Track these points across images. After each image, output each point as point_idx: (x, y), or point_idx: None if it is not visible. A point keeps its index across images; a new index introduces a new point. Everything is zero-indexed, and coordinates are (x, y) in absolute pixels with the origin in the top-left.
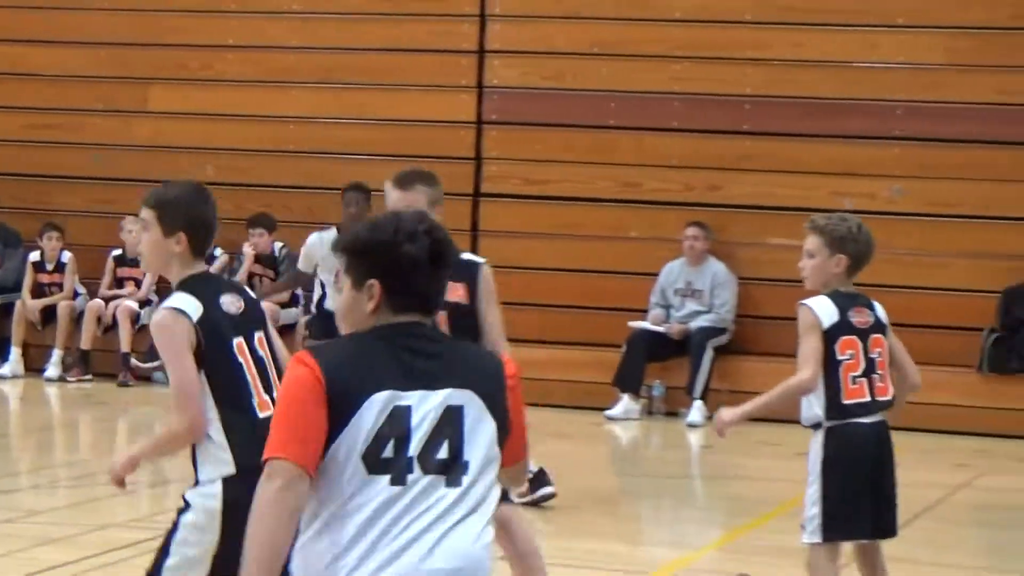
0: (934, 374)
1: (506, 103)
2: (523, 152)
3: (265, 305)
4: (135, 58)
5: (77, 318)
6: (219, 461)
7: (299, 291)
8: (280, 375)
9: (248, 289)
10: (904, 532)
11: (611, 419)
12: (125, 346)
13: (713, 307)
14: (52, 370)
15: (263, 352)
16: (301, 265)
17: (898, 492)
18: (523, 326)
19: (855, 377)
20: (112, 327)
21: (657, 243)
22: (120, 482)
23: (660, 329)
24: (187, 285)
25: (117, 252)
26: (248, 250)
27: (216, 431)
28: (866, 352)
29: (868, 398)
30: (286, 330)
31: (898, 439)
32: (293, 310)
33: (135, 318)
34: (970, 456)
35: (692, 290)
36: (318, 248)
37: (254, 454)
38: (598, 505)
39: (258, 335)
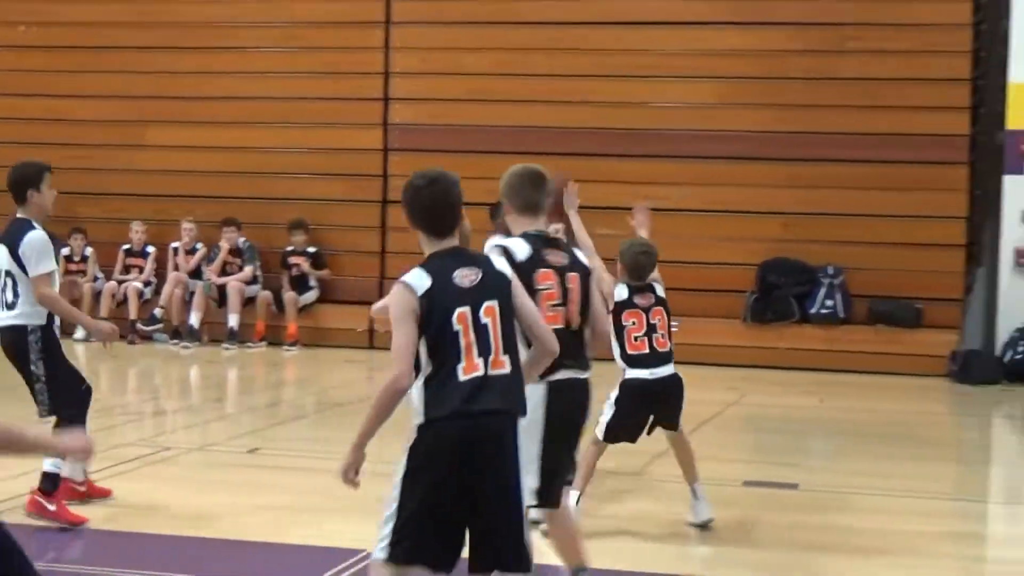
0: (711, 324)
1: (404, 136)
2: (417, 169)
3: (232, 282)
4: (137, 107)
5: (96, 295)
6: (415, 415)
7: (259, 271)
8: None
9: (497, 260)
10: (694, 436)
11: None
12: (133, 315)
13: None
14: (79, 333)
15: (488, 319)
16: None
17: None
18: None
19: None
20: (123, 302)
21: None
22: (350, 481)
23: None
24: (425, 262)
25: (126, 246)
26: (223, 244)
27: (418, 386)
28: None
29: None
30: (248, 303)
31: (684, 370)
32: (255, 286)
33: (140, 295)
34: (738, 382)
35: None
36: None
37: (445, 406)
38: None
39: (488, 304)
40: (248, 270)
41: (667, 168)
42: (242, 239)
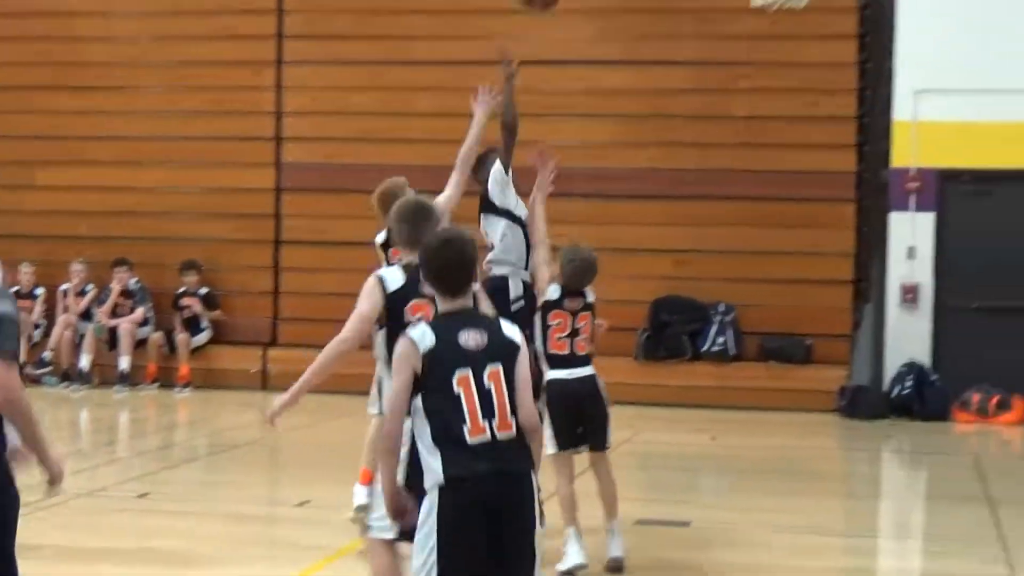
0: (604, 362)
1: (297, 175)
2: (311, 210)
3: (123, 324)
4: (25, 147)
5: None
6: (431, 473)
7: (151, 312)
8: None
9: (507, 325)
10: (586, 475)
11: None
12: (22, 358)
13: None
14: None
15: (492, 384)
16: None
17: None
18: (314, 335)
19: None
20: None
21: None
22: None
23: None
24: (433, 320)
25: (15, 288)
26: (114, 285)
27: (428, 446)
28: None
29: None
30: (140, 345)
31: None
32: (147, 328)
33: (29, 338)
34: (631, 420)
35: None
36: None
37: (463, 468)
38: None
39: (491, 368)
40: (139, 311)
41: (561, 207)
42: (133, 280)
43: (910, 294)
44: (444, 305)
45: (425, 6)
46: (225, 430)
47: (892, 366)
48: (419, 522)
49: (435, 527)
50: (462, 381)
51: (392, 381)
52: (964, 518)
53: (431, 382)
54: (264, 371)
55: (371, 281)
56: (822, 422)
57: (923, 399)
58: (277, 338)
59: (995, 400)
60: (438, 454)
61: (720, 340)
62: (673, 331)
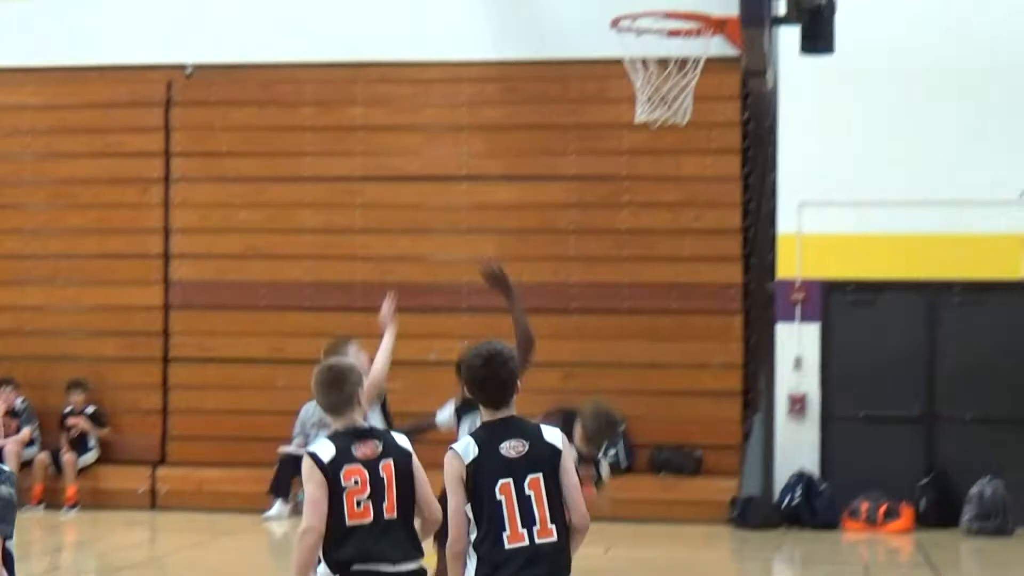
0: None
1: (185, 292)
2: (199, 326)
3: (8, 444)
4: None
5: None
6: (469, 571)
7: (37, 432)
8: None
9: (548, 431)
10: None
11: (267, 519)
12: None
13: None
14: None
15: (532, 492)
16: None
17: None
18: (203, 453)
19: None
20: None
21: (297, 390)
22: None
23: (302, 452)
24: (477, 430)
25: None
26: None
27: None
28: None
29: None
30: (26, 466)
31: None
32: (33, 448)
33: None
34: None
35: (324, 423)
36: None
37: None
38: None
39: (532, 476)
40: (25, 431)
41: (448, 322)
42: (19, 399)
43: (798, 404)
44: (488, 415)
45: (310, 123)
46: (114, 551)
47: (782, 476)
48: None
49: None
50: (503, 489)
51: (449, 496)
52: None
53: (476, 491)
54: (153, 490)
55: (307, 463)
56: (715, 533)
57: (813, 508)
58: (166, 456)
59: (883, 508)
60: (475, 558)
61: (611, 452)
62: None
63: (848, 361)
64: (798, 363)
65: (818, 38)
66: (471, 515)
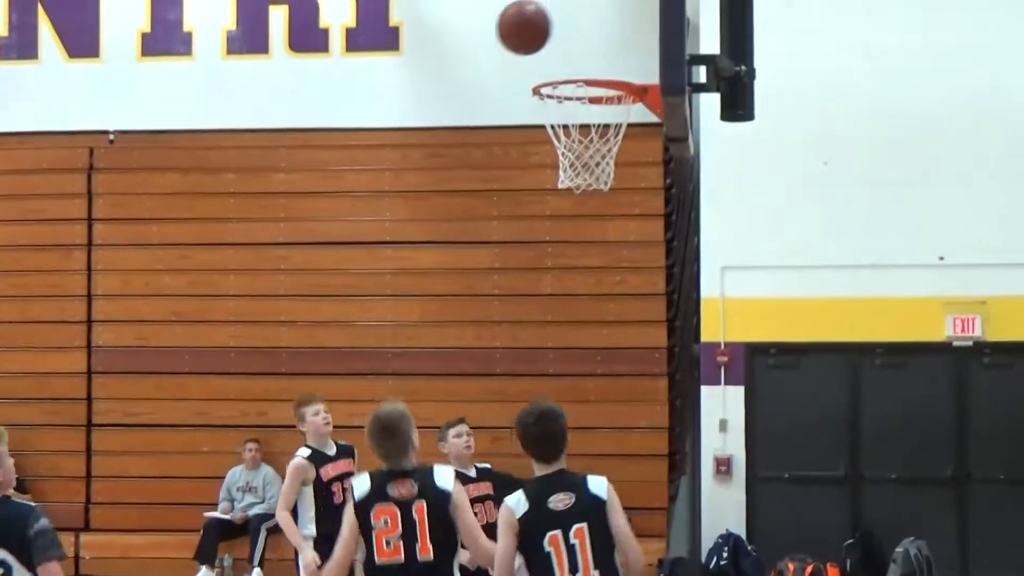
0: None
1: (108, 358)
2: (123, 393)
3: None
4: None
5: None
6: None
7: None
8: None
9: (594, 481)
10: None
11: None
12: None
13: (265, 499)
14: None
15: (576, 540)
16: None
17: None
18: (123, 517)
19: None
20: None
21: (222, 455)
22: None
23: (227, 516)
24: (528, 484)
25: None
26: None
27: None
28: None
29: None
30: None
31: None
32: None
33: None
34: None
35: (250, 487)
36: None
37: None
38: None
39: (577, 526)
40: None
41: (373, 386)
42: None
43: (723, 466)
44: (539, 469)
45: (233, 188)
46: None
47: (708, 537)
48: None
49: None
50: (552, 541)
51: (499, 543)
52: None
53: (526, 542)
54: (77, 557)
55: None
56: None
57: (740, 569)
58: (89, 523)
59: (810, 568)
60: None
61: None
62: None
63: (773, 423)
64: (723, 425)
65: (738, 106)
66: (522, 564)
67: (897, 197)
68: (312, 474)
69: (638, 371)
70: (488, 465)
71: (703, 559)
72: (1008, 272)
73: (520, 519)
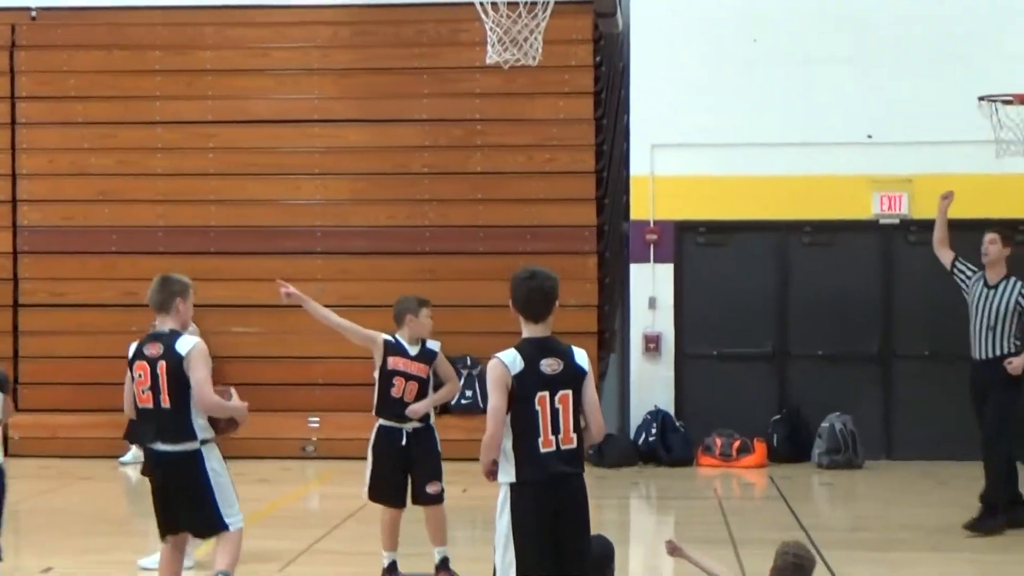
0: (347, 418)
1: (34, 238)
2: (49, 273)
3: None
4: None
5: None
6: (506, 473)
7: None
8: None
9: (579, 353)
10: (337, 531)
11: (123, 464)
12: None
13: None
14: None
15: (560, 406)
16: None
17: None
18: (52, 397)
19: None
20: None
21: None
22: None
23: None
24: (519, 345)
25: None
26: None
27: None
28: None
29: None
30: None
31: (326, 465)
32: None
33: None
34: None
35: None
36: None
37: (533, 473)
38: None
39: (563, 392)
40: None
41: (302, 265)
42: None
43: (652, 343)
44: (528, 330)
45: (160, 66)
46: None
47: (637, 414)
48: (496, 515)
49: (510, 519)
50: (541, 401)
51: (491, 397)
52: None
53: (518, 401)
54: (5, 438)
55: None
56: None
57: (668, 446)
58: (18, 403)
59: (737, 444)
60: (514, 460)
61: (468, 393)
62: None
63: (701, 301)
64: (652, 303)
65: None
66: (508, 419)
67: (826, 76)
68: None
69: (567, 249)
70: (437, 344)
71: (632, 436)
72: (935, 150)
73: (515, 376)
